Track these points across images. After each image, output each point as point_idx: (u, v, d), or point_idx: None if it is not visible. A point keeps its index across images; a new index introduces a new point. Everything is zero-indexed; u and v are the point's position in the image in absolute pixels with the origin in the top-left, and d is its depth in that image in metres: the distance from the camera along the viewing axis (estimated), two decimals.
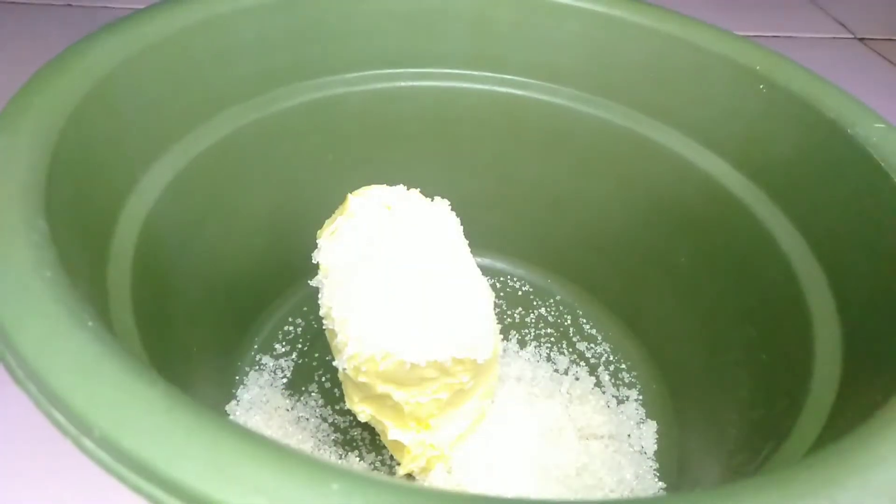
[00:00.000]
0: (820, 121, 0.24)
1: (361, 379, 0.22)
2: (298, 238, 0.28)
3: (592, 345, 0.34)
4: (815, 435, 0.20)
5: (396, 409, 0.23)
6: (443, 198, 0.26)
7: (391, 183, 0.27)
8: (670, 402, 0.31)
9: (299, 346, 0.32)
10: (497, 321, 0.25)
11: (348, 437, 0.29)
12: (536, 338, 0.34)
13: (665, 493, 0.28)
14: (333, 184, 0.27)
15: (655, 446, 0.30)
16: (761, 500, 0.13)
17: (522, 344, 0.34)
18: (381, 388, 0.22)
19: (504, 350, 0.33)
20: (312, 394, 0.30)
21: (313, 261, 0.25)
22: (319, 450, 0.28)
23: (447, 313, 0.22)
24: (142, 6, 0.24)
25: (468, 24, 0.30)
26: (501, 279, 0.37)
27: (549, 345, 0.34)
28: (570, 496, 0.26)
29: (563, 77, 0.31)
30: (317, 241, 0.25)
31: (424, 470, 0.26)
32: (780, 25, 0.65)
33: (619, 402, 0.31)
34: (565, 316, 0.35)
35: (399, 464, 0.26)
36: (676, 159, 0.29)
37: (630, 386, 0.32)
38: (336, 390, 0.30)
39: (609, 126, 0.31)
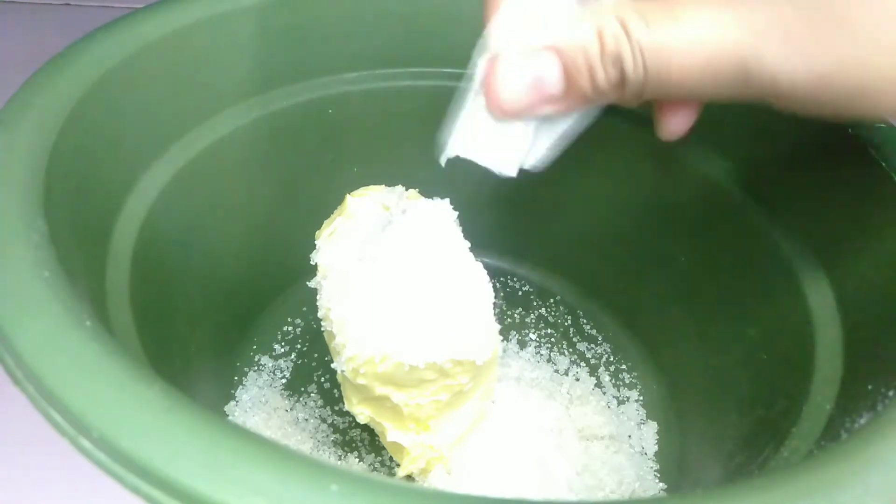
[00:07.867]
0: (820, 121, 0.24)
1: (360, 381, 0.22)
2: (297, 238, 0.28)
3: (593, 345, 0.34)
4: (815, 435, 0.20)
5: (395, 410, 0.23)
6: (443, 198, 0.26)
7: (391, 183, 0.27)
8: (670, 403, 0.31)
9: (298, 346, 0.32)
10: (497, 321, 0.25)
11: (347, 438, 0.29)
12: (537, 338, 0.34)
13: (665, 493, 0.28)
14: (333, 184, 0.27)
15: (656, 447, 0.30)
16: (761, 501, 0.13)
17: (522, 344, 0.33)
18: (379, 389, 0.22)
19: (504, 350, 0.33)
20: (312, 394, 0.30)
21: (312, 262, 0.25)
22: (318, 451, 0.28)
23: (446, 314, 0.22)
24: (140, 5, 0.24)
25: (468, 24, 0.30)
26: (501, 279, 0.37)
27: (550, 345, 0.34)
28: (571, 497, 0.26)
29: None
30: (315, 242, 0.25)
31: (424, 471, 0.26)
32: None
33: (620, 402, 0.31)
34: (565, 316, 0.35)
35: (398, 465, 0.25)
36: (676, 159, 0.29)
37: (630, 387, 0.32)
38: (335, 391, 0.30)
39: (609, 126, 0.31)
